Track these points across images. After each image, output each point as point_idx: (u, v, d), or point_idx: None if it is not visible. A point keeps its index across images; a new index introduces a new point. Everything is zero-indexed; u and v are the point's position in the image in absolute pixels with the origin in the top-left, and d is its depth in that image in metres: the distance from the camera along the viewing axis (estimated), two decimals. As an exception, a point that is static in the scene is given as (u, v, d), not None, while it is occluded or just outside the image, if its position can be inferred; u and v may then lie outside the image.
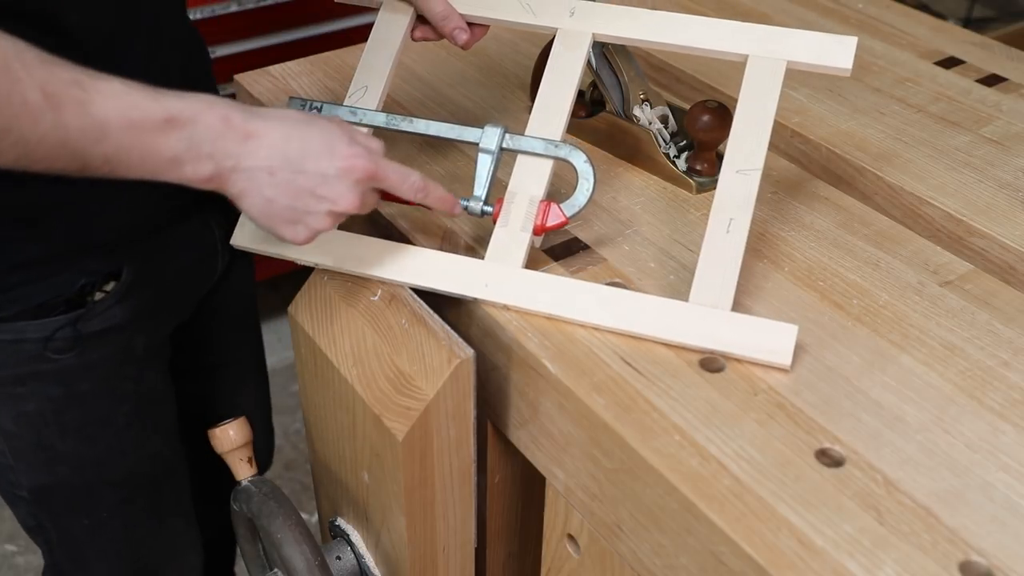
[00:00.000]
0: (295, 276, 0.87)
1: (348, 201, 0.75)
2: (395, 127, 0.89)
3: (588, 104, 1.06)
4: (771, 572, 0.61)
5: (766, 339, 0.74)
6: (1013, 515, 0.64)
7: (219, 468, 1.03)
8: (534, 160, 0.85)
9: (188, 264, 0.98)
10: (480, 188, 0.84)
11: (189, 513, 1.11)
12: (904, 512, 0.64)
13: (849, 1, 1.33)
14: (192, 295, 1.04)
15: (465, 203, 0.85)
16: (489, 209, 0.84)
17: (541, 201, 0.83)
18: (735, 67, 1.17)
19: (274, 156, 0.73)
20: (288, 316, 0.92)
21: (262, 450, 1.23)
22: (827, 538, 0.62)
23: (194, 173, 0.71)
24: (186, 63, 0.94)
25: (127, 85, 0.68)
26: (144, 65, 0.84)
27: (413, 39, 0.95)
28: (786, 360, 0.74)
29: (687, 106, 0.98)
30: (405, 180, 0.78)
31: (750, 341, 0.75)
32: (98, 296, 0.90)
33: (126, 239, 0.89)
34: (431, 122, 0.88)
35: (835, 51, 0.83)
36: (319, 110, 0.91)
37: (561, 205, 0.83)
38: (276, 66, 1.19)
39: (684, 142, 1.00)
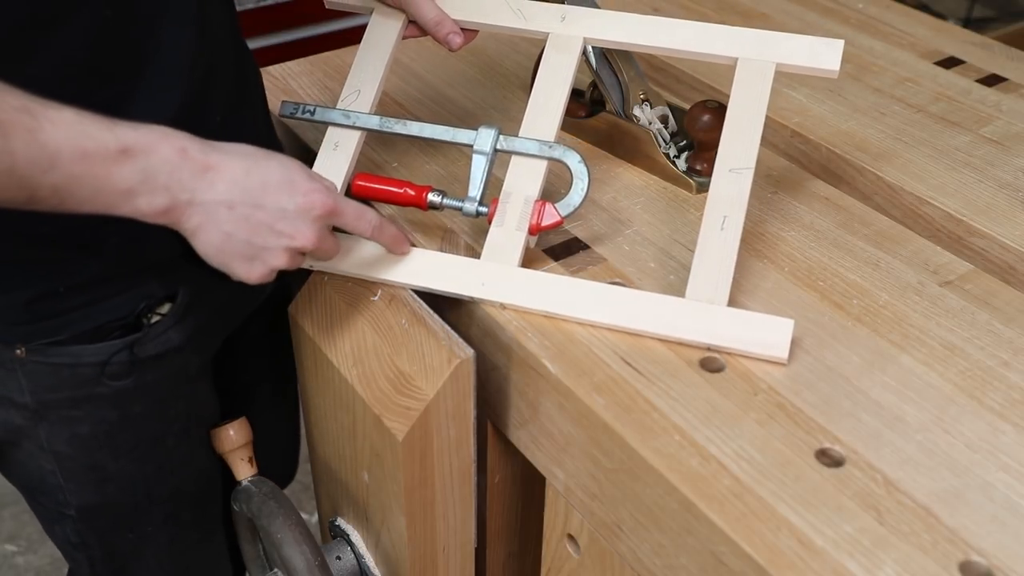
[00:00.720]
0: (295, 276, 0.87)
1: (306, 237, 0.74)
2: (388, 130, 0.89)
3: (588, 104, 1.06)
4: (771, 572, 0.61)
5: (762, 334, 0.75)
6: (1013, 515, 0.64)
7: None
8: (529, 161, 0.85)
9: (240, 283, 0.96)
10: (475, 189, 0.85)
11: (227, 523, 1.10)
12: (904, 512, 0.64)
13: (849, 1, 1.33)
14: (243, 313, 1.02)
15: (460, 204, 0.85)
16: (484, 210, 0.84)
17: (536, 201, 0.83)
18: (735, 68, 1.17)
19: (233, 190, 0.71)
20: (288, 316, 0.92)
21: (290, 460, 1.23)
22: (827, 538, 0.62)
23: (148, 206, 0.70)
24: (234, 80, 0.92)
25: (79, 114, 0.66)
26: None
27: (403, 37, 0.95)
28: (783, 354, 0.74)
29: (687, 106, 0.98)
30: (361, 218, 0.78)
31: (746, 336, 0.75)
32: (154, 319, 0.88)
33: (181, 260, 0.84)
34: (425, 124, 0.89)
35: (823, 53, 0.84)
36: (311, 113, 0.91)
37: (556, 205, 0.83)
38: (276, 66, 1.19)
39: (684, 142, 1.00)
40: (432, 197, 0.85)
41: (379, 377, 0.82)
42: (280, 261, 0.75)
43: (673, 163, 0.97)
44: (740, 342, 0.75)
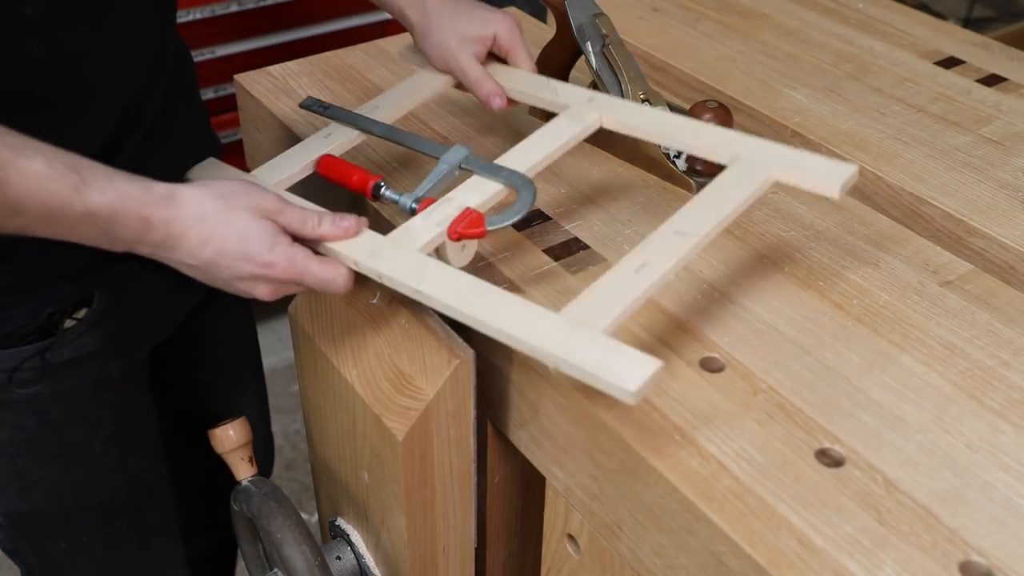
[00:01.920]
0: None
1: (263, 295, 0.77)
2: (367, 129, 0.92)
3: (588, 104, 1.06)
4: (771, 572, 0.61)
5: (620, 365, 0.64)
6: (1013, 515, 0.64)
7: (211, 479, 1.02)
8: (485, 181, 0.84)
9: (164, 290, 0.95)
10: (420, 190, 0.84)
11: (172, 532, 1.09)
12: (904, 512, 0.64)
13: (849, 1, 1.33)
14: (170, 319, 1.02)
15: (397, 197, 0.84)
16: (415, 206, 0.83)
17: (468, 208, 0.80)
18: (735, 67, 1.17)
19: (191, 256, 0.74)
20: (288, 316, 0.92)
21: (262, 460, 1.23)
22: (827, 538, 0.62)
23: (109, 248, 0.73)
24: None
25: (51, 167, 0.67)
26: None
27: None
28: (629, 395, 0.63)
29: (687, 106, 0.98)
30: (327, 287, 0.77)
31: (603, 363, 0.65)
32: (68, 324, 0.87)
33: (98, 266, 0.86)
34: (407, 133, 0.91)
35: (829, 175, 0.77)
36: (325, 109, 0.95)
37: (489, 218, 0.80)
38: (276, 66, 1.19)
39: (684, 142, 1.00)
40: (376, 186, 0.86)
41: (379, 377, 0.82)
42: (249, 296, 0.78)
43: (673, 163, 0.97)
44: (593, 366, 0.65)
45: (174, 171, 0.89)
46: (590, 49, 0.99)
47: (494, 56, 0.96)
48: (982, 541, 0.62)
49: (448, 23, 0.92)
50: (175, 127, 0.93)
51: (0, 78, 0.75)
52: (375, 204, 0.90)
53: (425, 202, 0.83)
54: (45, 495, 0.94)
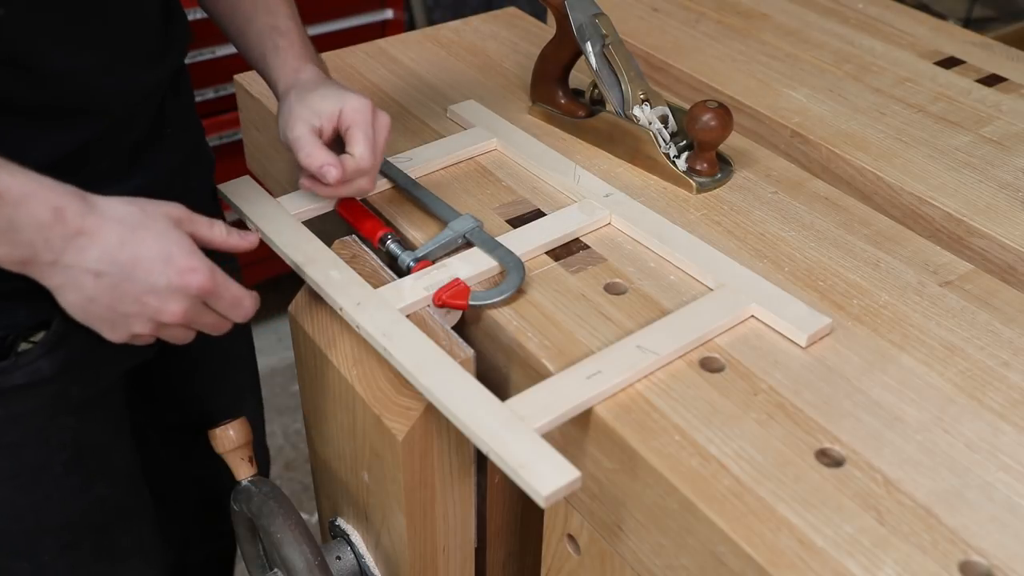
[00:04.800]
0: (295, 276, 0.87)
1: (172, 314, 0.72)
2: (395, 179, 0.95)
3: (588, 104, 1.06)
4: (771, 572, 0.61)
5: (541, 467, 0.66)
6: (1013, 515, 0.64)
7: (206, 488, 1.00)
8: (482, 255, 0.86)
9: None
10: (422, 250, 0.86)
11: (149, 551, 1.06)
12: (904, 512, 0.64)
13: (849, 1, 1.33)
14: (140, 353, 0.93)
15: (399, 253, 0.86)
16: (412, 265, 0.85)
17: (458, 279, 0.83)
18: (735, 67, 1.17)
19: (103, 259, 0.68)
20: (288, 316, 0.92)
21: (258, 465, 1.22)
22: (827, 538, 0.62)
23: (6, 255, 0.67)
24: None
25: None
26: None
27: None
28: (541, 498, 0.65)
29: (687, 106, 0.98)
30: (237, 307, 0.75)
31: (526, 462, 0.67)
32: (23, 347, 0.83)
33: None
34: (430, 194, 0.93)
35: (801, 322, 0.78)
36: None
37: (474, 292, 0.82)
38: (276, 66, 1.18)
39: (684, 142, 1.00)
40: (383, 238, 0.88)
41: (379, 377, 0.82)
42: (144, 330, 0.73)
43: (673, 163, 0.97)
44: (516, 463, 0.67)
45: (166, 181, 0.88)
46: (590, 49, 0.99)
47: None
48: (982, 541, 0.62)
49: (301, 99, 0.86)
50: (156, 156, 0.90)
51: None
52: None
53: (422, 263, 0.85)
54: (4, 515, 0.91)
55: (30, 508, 0.92)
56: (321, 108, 0.84)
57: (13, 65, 0.73)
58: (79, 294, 0.71)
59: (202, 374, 1.11)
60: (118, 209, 0.70)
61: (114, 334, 0.74)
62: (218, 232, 0.76)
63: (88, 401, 0.91)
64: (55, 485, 0.92)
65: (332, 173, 0.82)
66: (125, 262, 0.69)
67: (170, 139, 0.92)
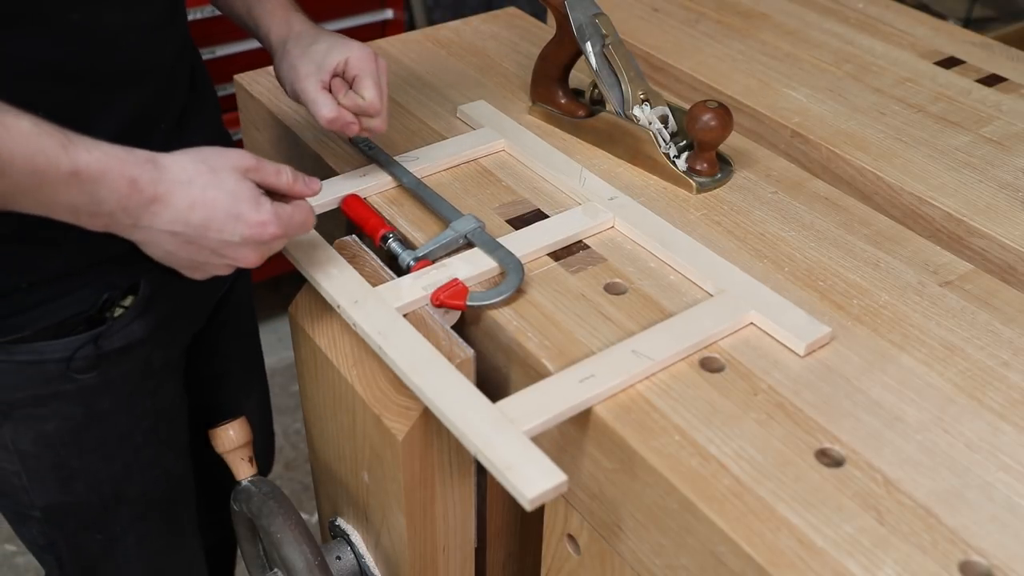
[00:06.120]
0: (295, 276, 0.87)
1: (249, 261, 0.76)
2: (400, 179, 0.96)
3: (588, 104, 1.06)
4: (771, 572, 0.61)
5: (528, 470, 0.66)
6: (1013, 515, 0.64)
7: (221, 475, 1.02)
8: (482, 255, 0.86)
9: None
10: (422, 249, 0.86)
11: (197, 530, 1.10)
12: (904, 512, 0.64)
13: (849, 1, 1.33)
14: (205, 305, 1.03)
15: (400, 252, 0.86)
16: (413, 264, 0.85)
17: (456, 279, 0.83)
18: (735, 67, 1.17)
19: (176, 222, 0.73)
20: (288, 316, 0.92)
21: (263, 455, 1.23)
22: (827, 538, 0.62)
23: (89, 223, 0.72)
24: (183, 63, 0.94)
25: (36, 124, 0.67)
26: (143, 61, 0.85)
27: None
28: (526, 500, 0.65)
29: (687, 106, 0.98)
30: (302, 229, 0.79)
31: (513, 465, 0.67)
32: (118, 312, 0.88)
33: (142, 251, 0.86)
34: (436, 195, 0.93)
35: (800, 331, 0.77)
36: (369, 148, 0.99)
37: (472, 293, 0.82)
38: (276, 66, 1.18)
39: (684, 142, 1.00)
40: (385, 236, 0.88)
41: (379, 377, 0.82)
42: (223, 272, 0.78)
43: (673, 163, 0.97)
44: (503, 465, 0.67)
45: (216, 139, 0.92)
46: (590, 49, 0.99)
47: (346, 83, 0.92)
48: (982, 541, 0.62)
49: (303, 51, 0.90)
50: (199, 118, 0.95)
51: (38, 46, 0.75)
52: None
53: (421, 263, 0.85)
54: (85, 486, 0.95)
55: (110, 478, 0.96)
56: (325, 62, 0.89)
57: (75, 29, 0.77)
58: (159, 248, 0.75)
59: (222, 351, 1.13)
60: (187, 169, 0.74)
61: (196, 275, 0.78)
62: (284, 179, 0.78)
63: (165, 366, 0.96)
64: (135, 455, 0.96)
65: (354, 128, 0.89)
66: (198, 223, 0.73)
67: (207, 100, 0.98)
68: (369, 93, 0.88)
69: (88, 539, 0.99)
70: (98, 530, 0.99)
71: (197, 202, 0.73)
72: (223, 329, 1.11)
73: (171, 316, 0.94)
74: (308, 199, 0.81)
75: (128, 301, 0.89)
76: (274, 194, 0.78)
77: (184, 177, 0.73)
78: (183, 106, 0.92)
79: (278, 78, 0.93)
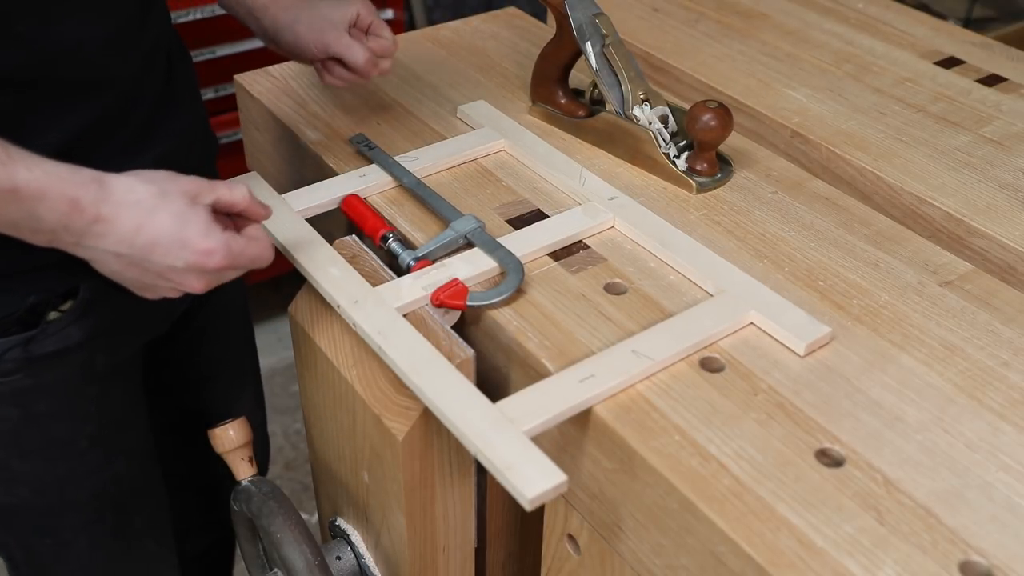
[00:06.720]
0: (295, 276, 0.87)
1: (194, 288, 0.75)
2: (400, 179, 0.96)
3: (588, 104, 1.06)
4: (771, 572, 0.61)
5: (527, 470, 0.67)
6: (1013, 515, 0.64)
7: (220, 475, 1.02)
8: (482, 255, 0.86)
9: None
10: (422, 250, 0.86)
11: (163, 535, 1.08)
12: (904, 512, 0.64)
13: (849, 1, 1.33)
14: (162, 314, 1.00)
15: (400, 252, 0.86)
16: (413, 264, 0.85)
17: (456, 279, 0.83)
18: (735, 67, 1.17)
19: (121, 243, 0.71)
20: (288, 316, 0.92)
21: (259, 458, 1.23)
22: (827, 538, 0.62)
23: (32, 239, 0.71)
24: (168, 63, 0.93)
25: None
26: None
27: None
28: (526, 500, 0.65)
29: (687, 106, 0.98)
30: (256, 264, 0.77)
31: (513, 464, 0.67)
32: (52, 316, 0.86)
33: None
34: (435, 194, 0.94)
35: (800, 331, 0.77)
36: (370, 148, 1.00)
37: (471, 293, 0.82)
38: (276, 66, 1.19)
39: (684, 142, 1.00)
40: (385, 236, 0.88)
41: (379, 377, 0.82)
42: (173, 295, 0.77)
43: (673, 163, 0.97)
44: (503, 464, 0.67)
45: (170, 167, 0.89)
46: (590, 49, 0.99)
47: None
48: (982, 541, 0.62)
49: (315, 11, 0.97)
50: (172, 123, 0.93)
51: None
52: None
53: (421, 263, 0.85)
54: (30, 489, 0.94)
55: (55, 482, 0.94)
56: (339, 17, 0.98)
57: (23, 41, 0.76)
58: (106, 267, 0.74)
59: (206, 356, 1.13)
60: (136, 190, 0.72)
61: (146, 294, 0.78)
62: (239, 195, 0.77)
63: (111, 371, 0.94)
64: (80, 459, 0.94)
65: (386, 66, 0.99)
66: (143, 245, 0.72)
67: (182, 107, 0.96)
68: (388, 34, 0.99)
69: (38, 542, 0.98)
70: (47, 533, 0.97)
71: (143, 225, 0.71)
72: (203, 334, 1.09)
73: (117, 323, 0.91)
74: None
75: (67, 305, 0.87)
76: (241, 225, 0.77)
77: (131, 199, 0.71)
78: (150, 114, 0.89)
79: (291, 42, 0.98)
